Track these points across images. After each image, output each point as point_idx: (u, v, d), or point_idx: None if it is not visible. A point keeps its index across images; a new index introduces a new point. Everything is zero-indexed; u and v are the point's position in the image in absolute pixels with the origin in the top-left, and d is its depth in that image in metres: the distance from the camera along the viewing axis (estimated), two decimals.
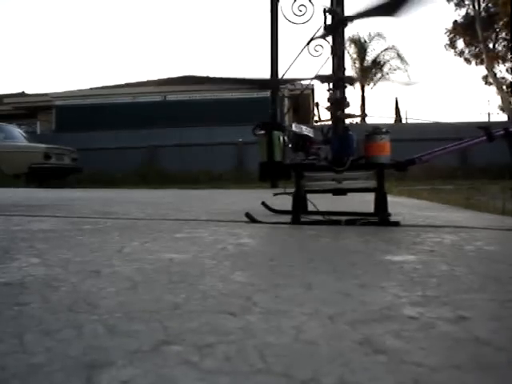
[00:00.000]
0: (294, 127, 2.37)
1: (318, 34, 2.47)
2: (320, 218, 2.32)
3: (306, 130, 2.39)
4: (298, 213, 2.33)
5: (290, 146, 2.40)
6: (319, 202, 2.75)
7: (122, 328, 0.75)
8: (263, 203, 2.88)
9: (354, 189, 2.42)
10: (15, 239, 1.76)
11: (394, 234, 1.93)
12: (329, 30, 2.42)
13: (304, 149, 2.38)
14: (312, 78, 2.49)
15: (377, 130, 2.30)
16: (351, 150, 2.31)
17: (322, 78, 2.45)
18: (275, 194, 2.84)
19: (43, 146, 10.14)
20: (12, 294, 0.96)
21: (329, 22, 2.43)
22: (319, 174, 2.40)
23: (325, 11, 2.41)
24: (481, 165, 10.83)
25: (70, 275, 1.13)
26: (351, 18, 2.47)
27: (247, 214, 2.38)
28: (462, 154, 11.57)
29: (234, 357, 0.63)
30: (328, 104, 2.43)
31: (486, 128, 2.37)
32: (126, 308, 0.86)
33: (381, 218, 2.24)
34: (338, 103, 2.38)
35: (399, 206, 3.69)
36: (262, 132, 2.36)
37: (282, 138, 2.36)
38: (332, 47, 2.43)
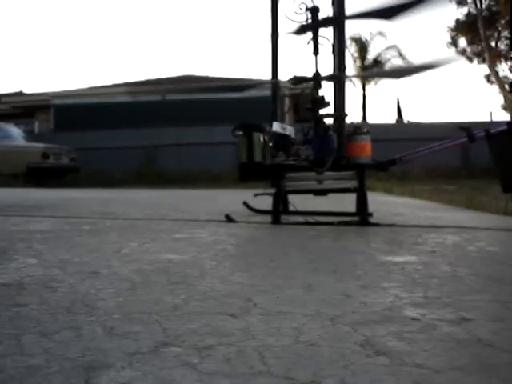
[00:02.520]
0: (275, 127, 2.37)
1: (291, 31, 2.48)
2: (307, 217, 2.33)
3: (287, 130, 2.39)
4: (278, 213, 2.35)
5: (270, 145, 2.41)
6: (316, 200, 2.76)
7: (120, 329, 0.74)
8: (245, 203, 2.89)
9: (334, 189, 2.44)
10: (13, 239, 1.75)
11: (396, 235, 1.93)
12: (303, 28, 2.43)
13: (285, 149, 2.39)
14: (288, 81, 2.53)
15: (357, 130, 2.30)
16: (331, 151, 2.32)
17: (297, 80, 2.46)
18: (256, 195, 2.86)
19: (41, 145, 10.12)
20: (10, 295, 0.95)
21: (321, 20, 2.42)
22: (300, 174, 2.41)
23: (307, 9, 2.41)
24: (483, 165, 10.79)
25: (68, 276, 1.13)
26: (348, 18, 2.47)
27: (227, 216, 2.41)
28: (465, 155, 11.57)
29: (234, 358, 0.62)
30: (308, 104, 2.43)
31: (467, 129, 2.40)
32: (124, 309, 0.85)
33: (361, 218, 2.25)
34: (317, 103, 2.38)
35: (401, 206, 3.70)
36: (241, 133, 2.38)
37: (262, 139, 2.37)
38: (314, 46, 2.43)
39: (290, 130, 2.40)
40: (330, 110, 2.47)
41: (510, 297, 0.96)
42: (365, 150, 2.28)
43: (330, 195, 2.60)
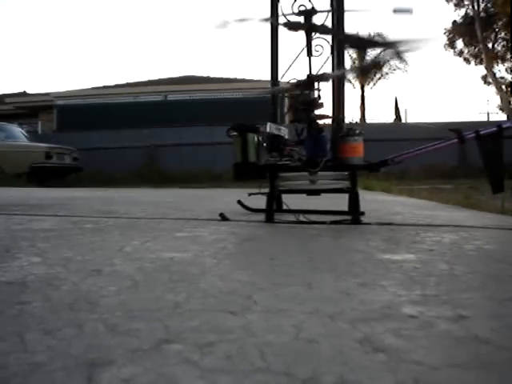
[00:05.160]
0: (269, 128, 2.38)
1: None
2: (300, 215, 2.35)
3: (282, 131, 2.40)
4: (272, 212, 2.37)
5: (264, 145, 2.42)
6: (318, 200, 2.76)
7: (122, 327, 0.75)
8: (239, 202, 2.90)
9: (326, 189, 2.45)
10: (16, 238, 1.76)
11: (394, 233, 1.94)
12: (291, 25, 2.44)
13: (278, 149, 2.40)
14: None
15: (350, 131, 2.31)
16: (324, 151, 2.33)
17: (299, 84, 2.46)
18: (250, 194, 2.88)
19: (44, 145, 10.14)
20: (13, 293, 0.96)
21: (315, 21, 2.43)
22: (293, 174, 2.42)
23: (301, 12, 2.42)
24: (480, 164, 10.77)
25: (70, 274, 1.14)
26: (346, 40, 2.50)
27: (221, 214, 2.42)
28: (462, 154, 11.55)
29: (235, 355, 0.63)
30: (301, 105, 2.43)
31: (457, 130, 2.41)
32: (126, 307, 0.86)
33: (353, 217, 2.27)
34: (311, 104, 2.38)
35: (399, 205, 3.70)
36: (236, 133, 2.39)
37: (256, 139, 2.38)
38: (307, 47, 2.43)
39: (283, 131, 2.41)
40: (326, 111, 2.47)
41: (506, 294, 0.96)
42: (357, 150, 2.29)
43: (331, 195, 2.61)
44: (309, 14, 2.38)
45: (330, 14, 2.51)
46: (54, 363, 0.60)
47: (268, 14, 2.58)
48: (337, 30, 2.47)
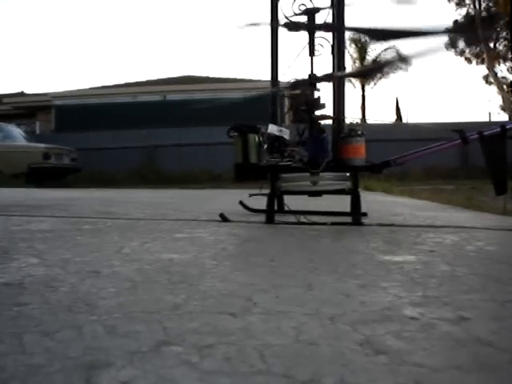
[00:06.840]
0: (270, 129, 2.38)
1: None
2: (300, 216, 2.34)
3: (283, 132, 2.40)
4: (272, 213, 2.36)
5: (265, 146, 2.42)
6: (317, 201, 2.76)
7: (121, 328, 0.75)
8: (241, 203, 2.90)
9: (328, 190, 2.45)
10: (14, 239, 1.76)
11: (395, 235, 1.93)
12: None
13: (279, 150, 2.39)
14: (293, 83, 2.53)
15: (352, 132, 2.31)
16: (326, 152, 2.33)
17: (297, 84, 2.46)
18: (251, 195, 2.88)
19: (42, 145, 10.13)
20: (11, 295, 0.96)
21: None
22: (295, 175, 2.42)
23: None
24: (482, 165, 10.74)
25: (69, 275, 1.13)
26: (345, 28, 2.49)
27: (221, 215, 2.42)
28: (463, 155, 11.56)
29: (234, 357, 0.63)
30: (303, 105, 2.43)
31: (460, 131, 2.41)
32: (125, 308, 0.86)
33: (354, 218, 2.26)
34: (312, 104, 2.38)
35: (400, 206, 3.70)
36: (236, 134, 2.39)
37: (257, 140, 2.37)
38: (309, 47, 2.43)
39: (284, 132, 2.40)
40: (326, 111, 2.47)
41: (508, 296, 0.96)
42: (359, 151, 2.29)
43: (332, 195, 2.60)
44: (311, 12, 2.38)
45: (331, 10, 2.51)
46: (52, 365, 0.60)
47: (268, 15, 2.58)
48: (338, 24, 2.46)
